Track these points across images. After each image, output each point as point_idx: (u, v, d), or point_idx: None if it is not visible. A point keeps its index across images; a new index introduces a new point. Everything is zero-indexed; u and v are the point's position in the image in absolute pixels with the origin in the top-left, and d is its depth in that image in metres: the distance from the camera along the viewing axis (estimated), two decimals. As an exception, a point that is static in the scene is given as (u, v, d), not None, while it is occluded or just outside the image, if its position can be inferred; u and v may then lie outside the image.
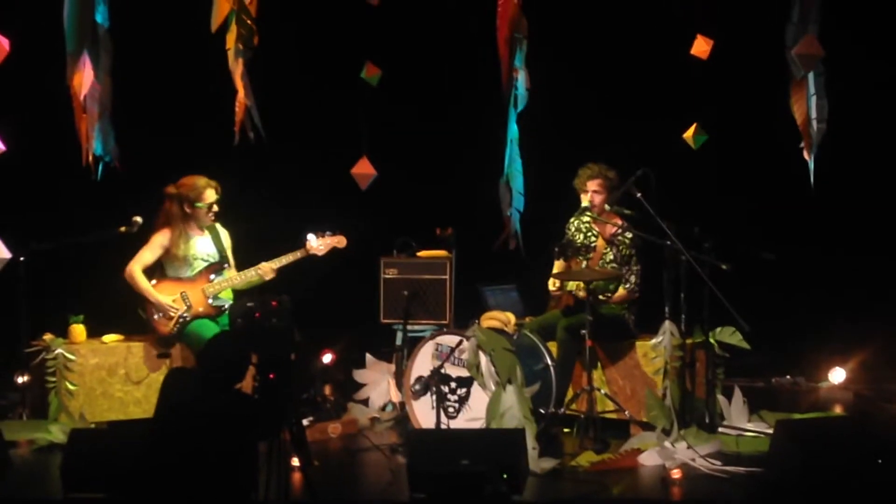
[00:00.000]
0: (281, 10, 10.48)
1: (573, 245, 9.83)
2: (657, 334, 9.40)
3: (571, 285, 9.76)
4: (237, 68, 10.02)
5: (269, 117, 10.13)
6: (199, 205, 9.85)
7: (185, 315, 9.80)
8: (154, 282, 9.87)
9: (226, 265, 9.99)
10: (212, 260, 9.96)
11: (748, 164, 11.67)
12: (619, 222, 9.70)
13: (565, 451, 8.98)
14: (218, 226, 10.06)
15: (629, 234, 9.68)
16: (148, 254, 9.88)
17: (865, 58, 11.10)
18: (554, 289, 9.87)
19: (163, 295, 9.81)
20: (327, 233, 10.05)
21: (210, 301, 9.86)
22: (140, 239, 9.96)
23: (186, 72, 11.07)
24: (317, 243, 10.00)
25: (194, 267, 9.91)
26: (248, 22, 9.91)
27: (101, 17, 9.85)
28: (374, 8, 10.16)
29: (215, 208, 9.91)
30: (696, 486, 8.12)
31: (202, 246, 9.96)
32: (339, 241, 10.11)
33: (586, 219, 9.92)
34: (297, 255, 10.00)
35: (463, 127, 11.44)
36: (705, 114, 10.78)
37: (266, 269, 9.87)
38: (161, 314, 9.81)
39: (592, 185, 9.79)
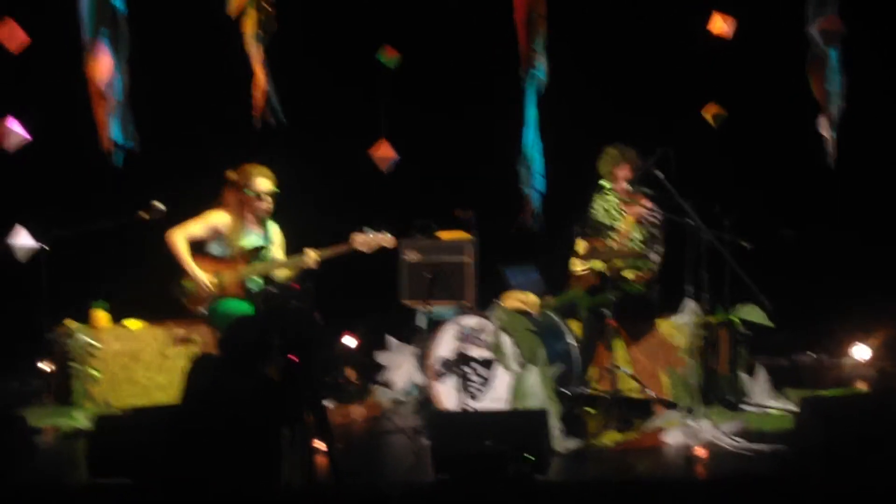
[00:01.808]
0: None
1: (594, 225, 9.79)
2: (680, 313, 9.38)
3: (598, 265, 9.73)
4: (256, 53, 10.02)
5: (287, 102, 10.13)
6: (248, 191, 9.65)
7: (215, 295, 9.72)
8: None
9: (267, 252, 9.87)
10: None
11: (768, 142, 11.64)
12: (648, 203, 9.66)
13: (589, 430, 8.96)
14: (274, 225, 9.92)
15: (659, 217, 9.62)
16: (197, 227, 9.64)
17: (885, 35, 11.06)
18: (578, 269, 9.85)
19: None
20: (381, 230, 9.62)
21: (246, 284, 9.73)
22: (160, 222, 9.95)
23: (205, 57, 11.06)
24: (363, 240, 9.66)
25: (239, 253, 9.81)
26: (266, 6, 9.91)
27: (118, 1, 9.85)
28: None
29: (268, 199, 9.65)
30: (720, 464, 8.10)
31: (253, 240, 9.82)
32: (389, 241, 9.67)
33: (611, 198, 9.89)
34: (342, 248, 9.74)
35: (482, 108, 11.42)
36: (724, 92, 10.77)
37: (310, 258, 9.66)
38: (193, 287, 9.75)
39: (622, 171, 9.74)
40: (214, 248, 9.76)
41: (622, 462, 8.15)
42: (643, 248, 9.66)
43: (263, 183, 9.61)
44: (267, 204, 9.67)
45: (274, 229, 9.91)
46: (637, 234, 9.71)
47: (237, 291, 9.70)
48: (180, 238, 9.60)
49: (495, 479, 7.51)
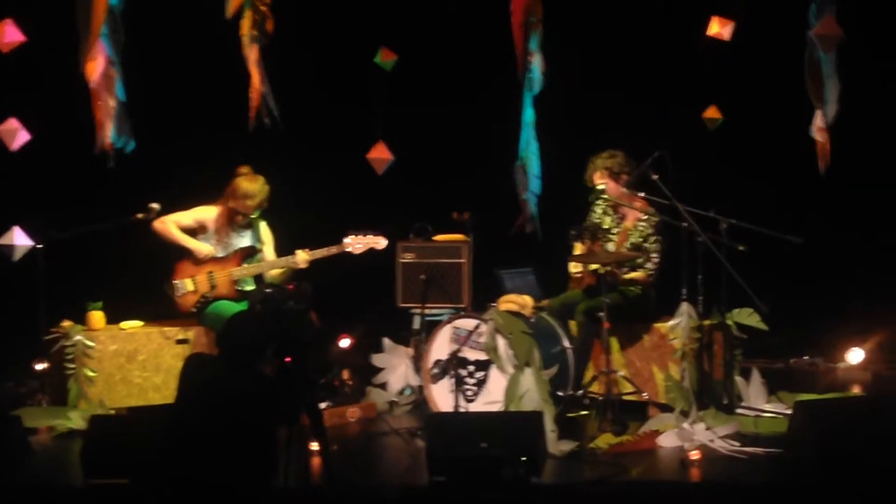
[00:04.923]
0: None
1: (590, 229, 9.78)
2: (675, 316, 9.37)
3: (594, 267, 9.71)
4: (252, 54, 10.02)
5: (283, 104, 10.13)
6: (230, 203, 9.80)
7: (207, 295, 9.76)
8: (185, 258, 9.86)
9: (259, 253, 9.91)
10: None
11: (765, 145, 11.65)
12: (640, 204, 9.64)
13: (584, 433, 8.96)
14: (263, 224, 10.00)
15: (654, 217, 9.59)
16: (184, 217, 9.84)
17: (881, 39, 11.07)
18: (575, 271, 9.85)
19: (187, 276, 9.78)
20: (369, 233, 9.94)
21: (236, 285, 9.79)
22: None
23: (201, 58, 11.05)
24: (354, 241, 9.91)
25: (227, 252, 9.84)
26: (263, 8, 9.92)
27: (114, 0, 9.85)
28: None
29: (248, 202, 9.75)
30: (714, 467, 8.10)
31: (241, 241, 9.90)
32: (378, 243, 9.96)
33: (608, 200, 9.88)
34: (333, 250, 9.88)
35: (479, 111, 11.41)
36: (722, 94, 10.78)
37: (300, 258, 9.75)
38: (186, 284, 9.77)
39: (598, 179, 9.74)
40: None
41: (617, 465, 8.14)
42: (641, 248, 9.64)
43: (242, 185, 9.69)
44: (243, 219, 9.77)
45: (263, 228, 9.97)
46: (635, 237, 9.70)
47: (229, 292, 9.76)
48: (169, 223, 9.74)
49: (490, 481, 7.52)
